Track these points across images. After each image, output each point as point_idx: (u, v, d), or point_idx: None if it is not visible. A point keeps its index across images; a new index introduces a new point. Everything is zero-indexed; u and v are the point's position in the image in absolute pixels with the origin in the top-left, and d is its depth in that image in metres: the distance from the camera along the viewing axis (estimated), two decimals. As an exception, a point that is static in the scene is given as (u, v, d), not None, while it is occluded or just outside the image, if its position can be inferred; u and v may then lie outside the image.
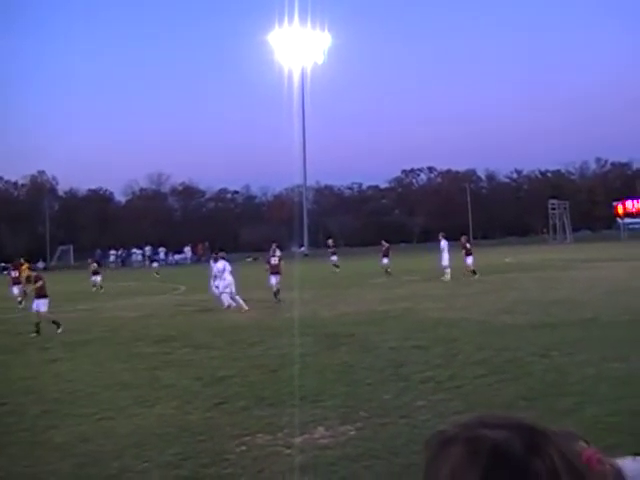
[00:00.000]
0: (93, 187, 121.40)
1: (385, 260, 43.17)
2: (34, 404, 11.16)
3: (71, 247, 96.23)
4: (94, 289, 40.84)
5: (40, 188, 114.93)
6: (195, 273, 49.86)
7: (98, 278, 42.53)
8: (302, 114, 74.58)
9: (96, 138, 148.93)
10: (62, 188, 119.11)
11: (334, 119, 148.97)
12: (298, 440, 8.39)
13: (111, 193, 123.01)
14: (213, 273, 27.66)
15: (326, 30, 71.80)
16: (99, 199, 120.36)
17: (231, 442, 8.47)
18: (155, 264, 63.61)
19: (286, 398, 10.48)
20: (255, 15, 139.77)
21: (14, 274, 35.33)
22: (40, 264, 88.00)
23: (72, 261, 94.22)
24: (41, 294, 21.04)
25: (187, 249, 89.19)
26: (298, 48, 70.01)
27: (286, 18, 68.76)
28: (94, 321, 23.61)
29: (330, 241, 53.77)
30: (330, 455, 7.79)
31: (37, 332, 20.07)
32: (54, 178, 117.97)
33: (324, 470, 7.38)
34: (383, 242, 44.56)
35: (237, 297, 25.41)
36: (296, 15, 68.96)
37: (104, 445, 8.65)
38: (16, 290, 33.25)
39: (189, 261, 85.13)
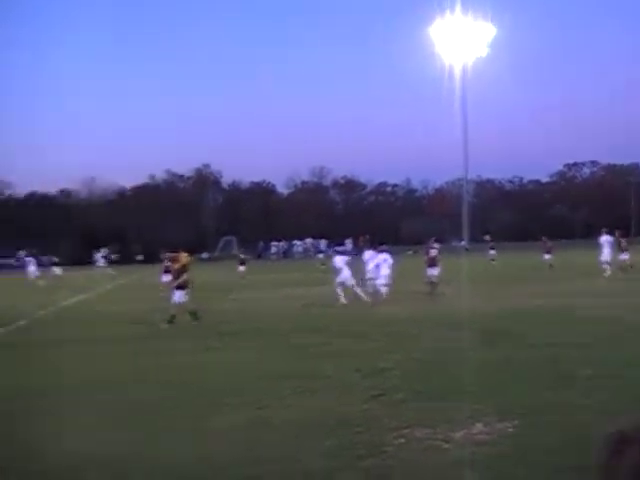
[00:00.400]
0: (256, 180, 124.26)
1: (547, 256, 42.63)
2: (195, 392, 11.52)
3: (234, 238, 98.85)
4: (242, 280, 42.91)
5: (205, 181, 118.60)
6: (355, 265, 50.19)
7: (242, 268, 45.26)
8: (464, 107, 73.55)
9: (258, 132, 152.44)
10: (226, 181, 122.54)
11: (496, 112, 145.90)
12: (456, 435, 8.30)
13: (273, 186, 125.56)
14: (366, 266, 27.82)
15: (489, 21, 70.40)
16: (262, 191, 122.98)
17: (389, 434, 8.46)
18: (321, 255, 64.62)
19: (444, 392, 10.39)
20: (416, 7, 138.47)
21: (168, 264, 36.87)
22: (204, 255, 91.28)
23: (235, 252, 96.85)
24: (182, 285, 21.23)
25: (348, 242, 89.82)
26: (460, 41, 68.95)
27: (448, 10, 68.03)
28: (255, 311, 24.17)
29: (487, 236, 53.22)
30: (487, 452, 7.66)
31: (170, 322, 20.37)
32: (218, 171, 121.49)
33: (481, 466, 7.26)
34: (544, 238, 44.42)
35: (358, 290, 25.48)
36: (458, 6, 68.12)
37: (262, 434, 8.83)
38: (165, 278, 34.57)
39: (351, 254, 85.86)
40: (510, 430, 8.42)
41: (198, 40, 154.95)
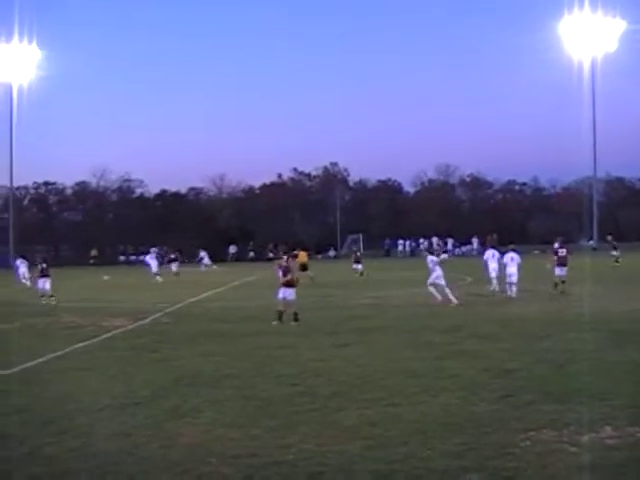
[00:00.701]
0: (382, 178, 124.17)
1: None
2: (324, 386, 11.78)
3: (360, 236, 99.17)
4: (358, 275, 44.57)
5: (332, 179, 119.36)
6: (481, 265, 49.64)
7: (360, 266, 46.06)
8: (592, 104, 71.57)
9: (385, 129, 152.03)
10: (353, 179, 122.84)
11: (626, 108, 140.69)
12: (584, 438, 8.24)
13: (400, 184, 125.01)
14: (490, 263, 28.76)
15: (618, 16, 68.45)
16: (388, 189, 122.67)
17: (516, 436, 8.48)
18: (445, 255, 64.41)
19: (573, 395, 10.29)
20: (543, 4, 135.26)
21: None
22: (331, 252, 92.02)
23: (361, 250, 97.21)
24: (290, 284, 21.28)
25: (474, 240, 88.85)
26: (588, 36, 67.39)
27: (576, 5, 66.52)
28: (384, 309, 24.32)
29: (609, 237, 52.03)
30: (617, 456, 7.59)
31: (280, 319, 20.62)
32: (345, 169, 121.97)
33: (611, 471, 7.21)
34: None
35: (447, 290, 25.23)
36: (587, 1, 66.49)
37: (390, 430, 8.99)
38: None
39: (475, 252, 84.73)
40: (641, 435, 8.31)
41: (327, 35, 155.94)
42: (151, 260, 50.86)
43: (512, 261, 27.71)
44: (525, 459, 7.67)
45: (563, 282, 28.50)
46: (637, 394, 10.21)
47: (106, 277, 51.33)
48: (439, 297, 25.02)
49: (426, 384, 11.59)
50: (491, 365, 13.05)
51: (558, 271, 29.09)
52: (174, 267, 53.10)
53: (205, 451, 8.48)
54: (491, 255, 29.46)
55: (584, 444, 8.05)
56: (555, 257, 29.91)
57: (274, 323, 20.40)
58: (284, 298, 21.01)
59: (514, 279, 27.25)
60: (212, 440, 8.89)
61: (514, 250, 28.76)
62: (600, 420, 8.90)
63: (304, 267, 39.99)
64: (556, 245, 31.68)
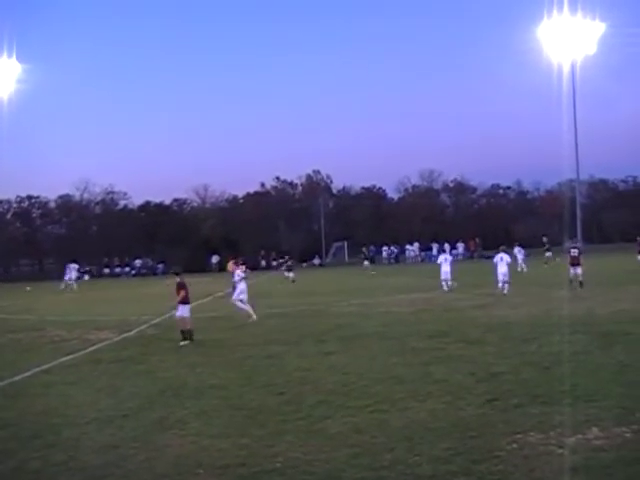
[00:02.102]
0: (366, 185, 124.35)
1: None
2: (310, 394, 11.77)
3: (345, 244, 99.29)
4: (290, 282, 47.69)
5: (315, 187, 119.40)
6: (467, 269, 49.82)
7: (291, 274, 49.63)
8: (574, 107, 71.83)
9: (368, 136, 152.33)
10: (336, 186, 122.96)
11: (607, 111, 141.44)
12: (571, 440, 8.27)
13: (384, 190, 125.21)
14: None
15: (597, 19, 68.89)
16: (372, 196, 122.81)
17: (503, 439, 8.50)
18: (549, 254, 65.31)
19: (559, 397, 10.33)
20: (522, 8, 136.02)
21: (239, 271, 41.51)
22: (316, 260, 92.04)
23: (346, 258, 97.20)
24: (184, 301, 20.29)
25: (460, 245, 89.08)
26: (568, 39, 67.81)
27: (555, 8, 66.91)
28: (369, 316, 24.30)
29: (545, 238, 54.94)
30: (604, 457, 7.62)
31: (189, 339, 19.40)
32: (328, 177, 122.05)
33: (598, 473, 7.23)
34: (638, 238, 45.78)
35: (247, 306, 24.91)
36: (565, 4, 66.89)
37: (377, 437, 8.99)
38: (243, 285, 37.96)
39: (461, 257, 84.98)
40: (628, 436, 8.34)
41: (308, 43, 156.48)
42: (70, 273, 55.19)
43: (502, 261, 30.84)
44: (512, 462, 7.69)
45: (580, 282, 30.66)
46: (623, 395, 10.25)
47: (28, 288, 53.46)
48: (247, 309, 24.82)
49: (412, 390, 11.60)
50: (477, 369, 13.08)
51: (572, 270, 31.37)
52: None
53: (193, 462, 8.46)
54: (499, 259, 31.34)
55: (571, 446, 8.08)
56: (568, 257, 32.59)
57: (181, 344, 19.08)
58: (181, 316, 20.13)
59: (506, 278, 30.26)
60: (200, 451, 8.87)
61: (504, 251, 31.94)
62: (587, 421, 8.93)
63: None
64: (567, 245, 34.42)
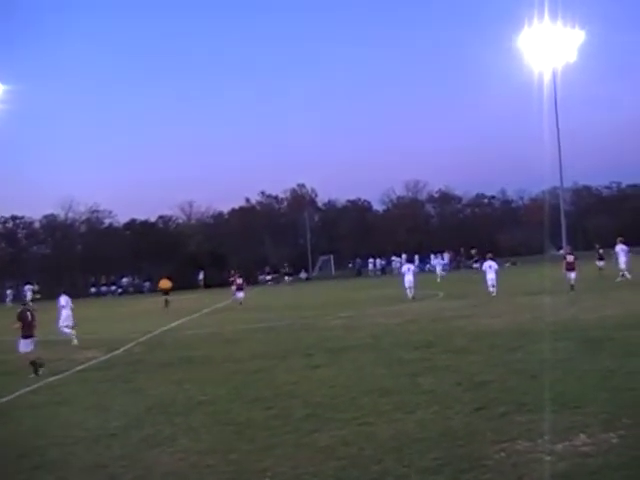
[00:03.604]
0: (351, 197, 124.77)
1: (600, 263, 43.53)
2: (298, 408, 11.75)
3: (331, 257, 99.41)
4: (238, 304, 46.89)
5: (300, 201, 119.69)
6: (453, 279, 49.94)
7: (241, 294, 47.25)
8: (556, 115, 72.22)
9: (352, 149, 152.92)
10: (321, 200, 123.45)
11: (589, 118, 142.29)
12: (558, 447, 8.29)
13: (369, 203, 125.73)
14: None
15: (577, 27, 69.40)
16: (357, 209, 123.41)
17: (490, 448, 8.51)
18: (476, 265, 66.24)
19: (546, 404, 10.35)
20: (503, 17, 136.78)
21: (239, 281, 46.38)
22: (302, 274, 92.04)
23: (333, 271, 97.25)
24: (24, 334, 18.60)
25: (446, 255, 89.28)
26: (548, 47, 68.25)
27: (536, 17, 67.41)
28: (355, 328, 24.31)
29: (473, 251, 55.91)
30: (592, 463, 7.64)
31: (36, 373, 17.87)
32: (313, 190, 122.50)
33: (585, 479, 7.26)
34: (597, 246, 45.52)
35: (68, 330, 26.11)
36: (546, 13, 67.38)
37: (365, 449, 8.98)
38: (240, 294, 44.90)
39: (447, 267, 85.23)
40: (615, 441, 8.37)
41: (290, 55, 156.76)
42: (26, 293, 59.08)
43: (490, 268, 34.54)
44: (500, 470, 7.70)
45: (572, 285, 32.66)
46: (610, 401, 10.28)
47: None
48: (71, 334, 25.68)
49: (400, 401, 11.61)
50: (464, 379, 13.10)
51: (568, 275, 33.36)
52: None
53: (182, 479, 8.44)
54: (488, 266, 34.95)
55: (558, 453, 8.09)
56: (564, 262, 34.59)
57: (31, 376, 17.72)
58: (24, 352, 18.55)
59: (494, 282, 33.90)
60: (188, 467, 8.85)
61: (492, 259, 35.71)
62: (573, 428, 8.95)
63: (166, 291, 49.19)
64: (563, 252, 36.33)
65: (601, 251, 43.12)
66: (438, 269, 50.92)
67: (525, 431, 9.07)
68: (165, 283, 50.92)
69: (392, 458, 8.47)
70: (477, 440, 8.90)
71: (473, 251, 61.99)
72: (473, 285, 35.01)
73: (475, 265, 60.06)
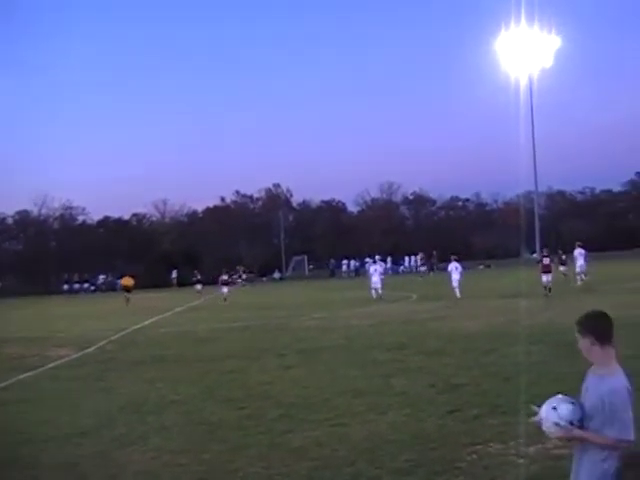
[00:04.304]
0: (326, 198, 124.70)
1: (562, 267, 42.85)
2: (271, 408, 11.73)
3: (305, 257, 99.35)
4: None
5: (275, 201, 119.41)
6: (426, 281, 50.03)
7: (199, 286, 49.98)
8: (531, 120, 72.66)
9: (327, 150, 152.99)
10: (296, 200, 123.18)
11: (564, 123, 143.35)
12: (531, 450, 8.32)
13: (343, 204, 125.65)
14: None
15: (553, 32, 69.89)
16: (332, 209, 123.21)
17: (463, 450, 8.53)
18: (423, 269, 67.20)
19: (520, 407, 10.36)
20: (480, 20, 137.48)
21: (224, 277, 48.59)
22: (276, 274, 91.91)
23: (306, 271, 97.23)
24: None
25: (419, 257, 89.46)
26: (525, 52, 68.68)
27: (512, 21, 67.85)
28: (329, 329, 24.30)
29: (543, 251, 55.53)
30: (564, 466, 7.61)
31: None
32: (288, 190, 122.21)
33: (557, 481, 7.28)
34: (559, 252, 44.90)
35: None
36: (523, 18, 67.81)
37: (338, 450, 8.98)
38: (225, 289, 46.58)
39: (420, 269, 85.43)
40: (587, 444, 8.39)
41: (270, 59, 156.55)
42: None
43: (456, 270, 35.12)
44: (472, 473, 7.72)
45: (549, 288, 33.01)
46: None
47: None
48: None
49: (373, 402, 11.61)
50: (437, 381, 13.13)
51: (544, 277, 33.54)
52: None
53: (153, 478, 8.40)
54: (454, 268, 35.36)
55: (531, 455, 8.13)
56: (540, 265, 35.04)
57: None
58: None
59: (457, 283, 34.41)
60: (160, 467, 8.80)
61: (456, 260, 36.04)
62: (547, 431, 8.97)
63: (127, 289, 49.78)
64: (537, 255, 36.83)
65: (564, 257, 43.30)
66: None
67: (498, 434, 9.10)
68: (127, 281, 51.29)
69: (365, 459, 8.46)
70: (450, 442, 8.92)
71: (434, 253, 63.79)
72: (446, 287, 35.06)
73: (422, 268, 61.97)
